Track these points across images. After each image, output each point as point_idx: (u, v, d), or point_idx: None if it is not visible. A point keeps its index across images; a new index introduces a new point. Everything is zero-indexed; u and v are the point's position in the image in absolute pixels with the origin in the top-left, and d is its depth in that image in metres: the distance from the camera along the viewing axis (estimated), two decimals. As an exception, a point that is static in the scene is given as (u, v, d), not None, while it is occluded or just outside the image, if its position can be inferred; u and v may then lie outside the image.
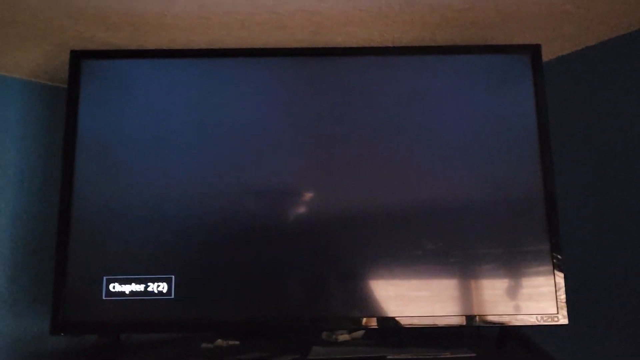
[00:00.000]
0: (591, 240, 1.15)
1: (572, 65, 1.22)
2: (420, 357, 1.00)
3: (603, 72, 1.18)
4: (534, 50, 1.10)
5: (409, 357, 1.00)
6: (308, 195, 1.07)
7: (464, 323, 1.01)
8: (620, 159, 1.14)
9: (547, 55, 1.20)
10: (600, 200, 1.16)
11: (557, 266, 1.02)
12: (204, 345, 1.19)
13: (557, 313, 1.00)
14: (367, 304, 1.03)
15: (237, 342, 1.20)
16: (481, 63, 1.11)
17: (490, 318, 1.01)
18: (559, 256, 1.02)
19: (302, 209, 1.06)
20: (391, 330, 1.03)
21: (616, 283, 1.11)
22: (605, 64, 1.18)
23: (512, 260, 1.03)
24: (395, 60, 1.11)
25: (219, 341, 1.20)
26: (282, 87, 1.11)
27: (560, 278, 1.01)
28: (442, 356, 1.00)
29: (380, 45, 1.18)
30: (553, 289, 1.01)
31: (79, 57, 1.09)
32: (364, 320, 1.02)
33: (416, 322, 1.02)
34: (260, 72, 1.11)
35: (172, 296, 1.01)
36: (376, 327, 1.02)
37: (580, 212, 1.17)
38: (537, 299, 1.01)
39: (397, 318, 1.02)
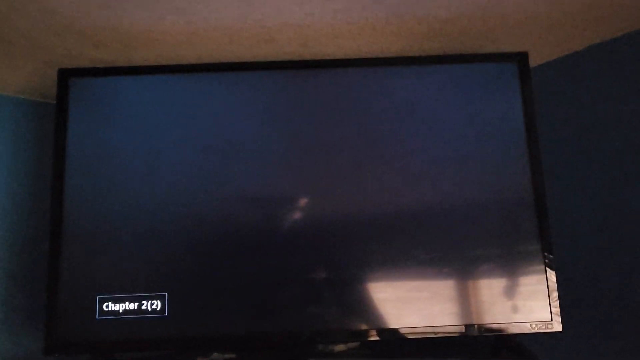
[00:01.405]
0: (584, 244, 1.16)
1: (559, 71, 1.23)
2: (417, 367, 1.01)
3: (590, 76, 1.19)
4: (521, 58, 1.11)
5: (406, 367, 1.01)
6: (302, 207, 1.07)
7: (461, 332, 1.01)
8: (609, 161, 1.15)
9: (534, 61, 1.20)
10: (590, 203, 1.17)
11: (550, 270, 1.02)
12: (199, 359, 1.19)
13: (552, 320, 1.01)
14: (364, 316, 1.03)
15: (233, 355, 1.20)
16: (469, 72, 1.11)
17: (485, 327, 1.01)
18: (550, 260, 1.03)
19: (295, 222, 1.06)
20: (388, 341, 1.03)
21: (611, 287, 1.12)
22: (592, 68, 1.19)
23: (505, 266, 1.04)
24: (384, 70, 1.12)
25: (215, 354, 1.20)
26: (272, 100, 1.11)
27: (553, 283, 1.02)
28: (438, 366, 1.01)
29: (368, 57, 1.18)
30: (546, 295, 1.02)
31: (66, 75, 1.09)
32: (361, 332, 1.02)
33: (413, 332, 1.02)
34: (250, 86, 1.11)
35: (166, 314, 1.01)
36: (374, 339, 1.02)
37: (572, 216, 1.18)
38: (531, 306, 1.02)
39: (393, 329, 1.02)
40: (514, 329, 1.01)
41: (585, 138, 1.19)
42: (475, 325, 1.01)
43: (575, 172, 1.19)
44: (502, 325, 1.01)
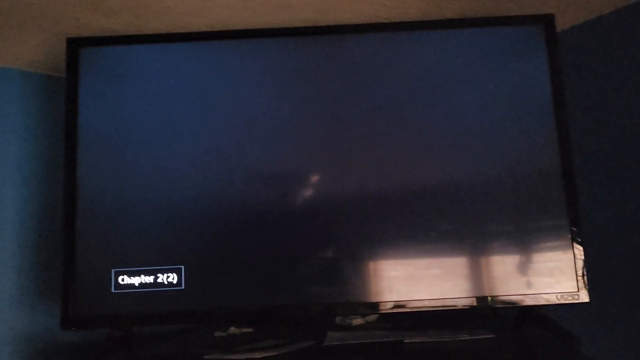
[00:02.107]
0: (611, 214, 1.12)
1: (586, 35, 1.18)
2: (438, 339, 0.98)
3: (619, 40, 1.14)
4: (547, 21, 1.06)
5: (427, 340, 0.98)
6: (318, 179, 1.04)
7: (482, 304, 0.99)
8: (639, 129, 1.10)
9: (560, 26, 1.15)
10: (620, 172, 1.12)
11: (576, 241, 0.99)
12: (217, 333, 1.18)
13: (578, 291, 0.98)
14: (381, 288, 1.00)
15: (250, 330, 1.19)
16: (492, 36, 1.07)
17: (508, 298, 0.99)
18: (577, 231, 0.99)
19: (312, 193, 1.04)
20: (407, 314, 1.01)
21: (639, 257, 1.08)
22: (621, 32, 1.14)
23: (530, 238, 1.01)
24: (402, 36, 1.07)
25: (232, 329, 1.19)
26: (288, 68, 1.08)
27: (580, 254, 0.98)
28: (460, 338, 0.99)
29: (387, 22, 1.13)
30: (572, 265, 0.98)
31: (76, 45, 1.06)
32: (379, 305, 1.00)
33: (432, 304, 0.99)
34: (264, 54, 1.07)
35: (183, 287, 0.99)
36: (392, 311, 0.99)
37: (600, 185, 1.14)
38: (557, 277, 0.99)
39: (412, 301, 0.99)
40: (540, 300, 0.98)
41: (615, 105, 1.14)
42: (500, 297, 0.99)
43: (604, 141, 1.15)
44: (528, 297, 0.98)
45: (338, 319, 1.18)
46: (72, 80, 1.05)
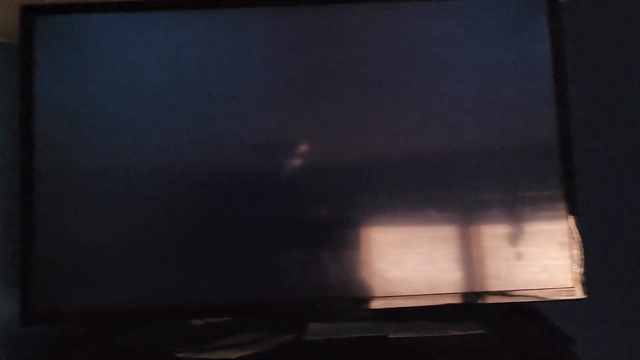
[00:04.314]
0: (610, 205, 1.07)
1: (590, 5, 1.10)
2: (425, 335, 0.94)
3: (622, 11, 1.06)
4: (550, -8, 0.97)
5: (412, 335, 0.94)
6: (304, 152, 0.97)
7: (471, 299, 0.94)
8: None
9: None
10: (621, 157, 1.06)
11: (574, 235, 0.93)
12: (195, 321, 1.13)
13: (573, 287, 0.93)
14: (367, 282, 0.95)
15: (229, 318, 1.14)
16: (491, 5, 0.98)
17: (499, 292, 0.93)
18: (574, 223, 0.94)
19: (293, 175, 0.96)
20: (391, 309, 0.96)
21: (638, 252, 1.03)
22: (626, 3, 1.06)
23: (525, 231, 0.95)
24: (395, 6, 0.98)
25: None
26: (270, 39, 0.99)
27: (575, 249, 0.93)
28: (448, 334, 0.94)
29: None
30: (568, 261, 0.93)
31: (31, 13, 0.96)
32: (363, 301, 0.94)
33: (419, 301, 0.94)
34: (243, 24, 0.98)
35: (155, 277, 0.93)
36: (377, 308, 0.94)
37: (601, 170, 1.08)
38: (551, 272, 0.93)
39: (398, 297, 0.94)
40: (532, 296, 0.93)
41: (618, 80, 1.07)
42: (488, 291, 0.94)
43: (607, 116, 1.08)
44: (519, 292, 0.93)
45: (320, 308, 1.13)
46: (27, 52, 0.96)
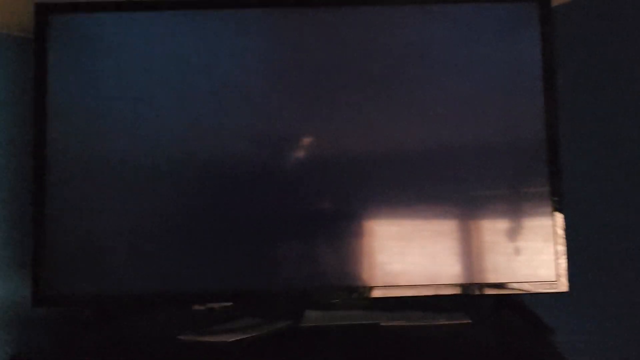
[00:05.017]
0: (595, 201, 1.10)
1: (582, 11, 1.13)
2: (415, 323, 0.98)
3: (613, 17, 1.09)
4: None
5: (403, 323, 0.98)
6: (307, 145, 1.01)
7: (461, 291, 0.98)
8: (635, 108, 1.06)
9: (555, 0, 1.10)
10: (611, 155, 1.09)
11: (557, 230, 0.98)
12: (196, 307, 1.17)
13: (557, 280, 0.97)
14: (362, 271, 0.99)
15: (230, 304, 1.18)
16: (485, 12, 1.02)
17: (486, 285, 0.98)
18: (559, 218, 0.98)
19: (292, 167, 1.01)
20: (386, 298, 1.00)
21: (624, 246, 1.06)
22: (616, 9, 1.08)
23: (511, 224, 0.99)
24: (392, 10, 1.02)
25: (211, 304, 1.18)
26: (271, 40, 1.04)
27: (559, 242, 0.97)
28: (437, 323, 0.98)
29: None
30: (552, 253, 0.97)
31: (45, 11, 1.00)
32: (359, 290, 0.99)
33: (411, 292, 0.99)
34: (247, 24, 1.02)
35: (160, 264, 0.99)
36: (372, 297, 0.99)
37: (587, 169, 1.11)
38: (535, 265, 0.98)
39: (392, 286, 0.99)
40: (516, 289, 0.97)
41: (609, 84, 1.10)
42: (475, 284, 0.98)
43: (597, 119, 1.11)
44: (504, 284, 0.98)
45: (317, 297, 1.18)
46: (41, 49, 1.00)
